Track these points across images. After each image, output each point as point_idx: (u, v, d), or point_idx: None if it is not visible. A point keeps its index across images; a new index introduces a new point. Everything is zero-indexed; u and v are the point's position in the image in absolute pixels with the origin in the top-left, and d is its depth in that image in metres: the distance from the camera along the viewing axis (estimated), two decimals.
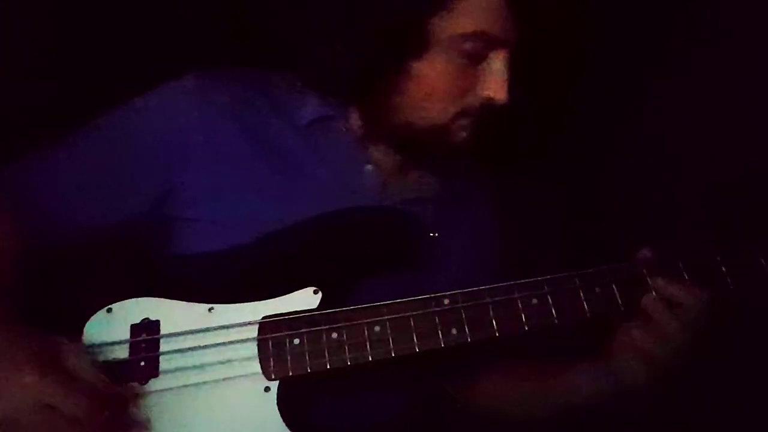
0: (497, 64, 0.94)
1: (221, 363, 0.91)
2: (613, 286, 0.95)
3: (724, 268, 0.96)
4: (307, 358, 0.91)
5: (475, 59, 0.94)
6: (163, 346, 0.91)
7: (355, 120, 1.05)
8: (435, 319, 0.93)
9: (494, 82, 0.94)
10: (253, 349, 0.91)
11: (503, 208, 1.18)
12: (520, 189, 1.26)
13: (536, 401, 1.08)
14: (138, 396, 0.89)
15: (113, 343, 0.91)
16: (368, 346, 0.92)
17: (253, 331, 0.92)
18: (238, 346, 0.91)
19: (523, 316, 0.93)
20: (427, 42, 0.93)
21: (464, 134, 0.99)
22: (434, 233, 1.01)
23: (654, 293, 0.93)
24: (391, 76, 0.95)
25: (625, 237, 0.97)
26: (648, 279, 0.94)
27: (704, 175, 1.25)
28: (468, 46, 0.93)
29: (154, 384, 0.89)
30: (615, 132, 1.34)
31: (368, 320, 0.92)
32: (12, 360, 0.78)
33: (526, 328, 0.93)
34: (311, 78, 1.01)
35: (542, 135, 1.00)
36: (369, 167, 1.05)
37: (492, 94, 0.95)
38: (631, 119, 1.33)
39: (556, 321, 0.94)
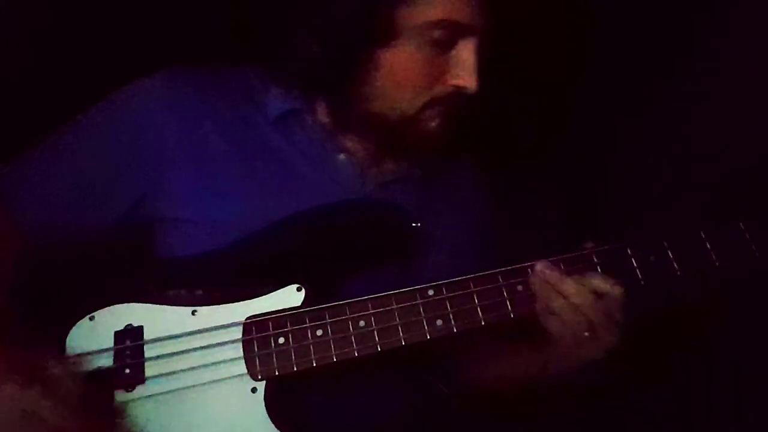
0: (466, 52, 0.92)
1: (207, 366, 0.90)
2: (598, 269, 0.94)
3: (708, 245, 0.96)
4: (293, 356, 0.90)
5: (444, 47, 0.92)
6: (148, 352, 0.91)
7: (322, 112, 1.04)
8: (420, 311, 0.92)
9: (463, 70, 0.93)
10: (238, 350, 0.91)
11: (502, 205, 1.17)
12: (519, 186, 1.25)
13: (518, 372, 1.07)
14: (125, 403, 0.88)
15: (97, 352, 0.90)
16: (354, 342, 0.91)
17: (237, 332, 0.91)
18: (223, 348, 0.91)
19: (508, 303, 0.93)
20: (395, 31, 0.91)
21: (435, 123, 0.97)
22: (417, 223, 1.00)
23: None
24: (358, 66, 0.93)
25: (622, 232, 0.95)
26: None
27: (703, 175, 1.25)
28: (436, 34, 0.91)
29: (140, 390, 0.89)
30: (615, 131, 1.33)
31: (352, 315, 0.92)
32: None
33: (512, 316, 0.93)
34: (279, 70, 0.99)
35: (542, 134, 0.99)
36: (342, 156, 1.04)
37: (461, 83, 0.93)
38: (630, 119, 1.32)
39: None
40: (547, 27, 0.93)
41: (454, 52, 0.93)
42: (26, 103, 1.14)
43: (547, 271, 0.92)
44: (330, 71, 0.94)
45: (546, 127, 1.24)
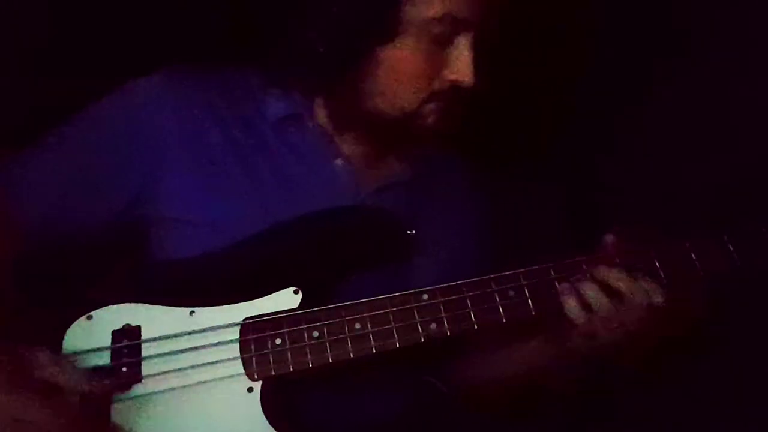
0: (462, 48, 0.96)
1: (204, 365, 0.91)
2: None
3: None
4: (290, 357, 0.92)
5: (442, 43, 0.96)
6: (145, 351, 0.91)
7: (321, 115, 1.06)
8: (414, 315, 0.94)
9: (461, 64, 0.96)
10: (235, 350, 0.92)
11: (501, 206, 1.19)
12: (517, 187, 1.26)
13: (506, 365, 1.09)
14: (122, 402, 0.89)
15: (94, 350, 0.91)
16: (349, 343, 0.93)
17: (234, 333, 0.93)
18: (220, 348, 0.92)
19: (500, 308, 0.95)
20: (396, 28, 0.95)
21: (432, 119, 1.00)
22: (412, 231, 1.02)
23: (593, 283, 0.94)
24: (360, 63, 0.96)
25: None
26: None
27: (703, 174, 1.26)
28: (435, 30, 0.95)
29: (137, 389, 0.90)
30: (614, 131, 1.35)
31: (348, 317, 0.93)
32: None
33: (504, 321, 0.95)
34: (280, 72, 1.01)
35: (541, 134, 1.01)
36: (339, 161, 1.06)
37: (458, 77, 0.97)
38: (630, 118, 1.34)
39: (533, 313, 0.95)
40: (546, 25, 0.96)
41: (451, 48, 0.96)
42: (25, 103, 1.15)
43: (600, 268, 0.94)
44: (332, 69, 0.97)
45: (546, 127, 1.25)
